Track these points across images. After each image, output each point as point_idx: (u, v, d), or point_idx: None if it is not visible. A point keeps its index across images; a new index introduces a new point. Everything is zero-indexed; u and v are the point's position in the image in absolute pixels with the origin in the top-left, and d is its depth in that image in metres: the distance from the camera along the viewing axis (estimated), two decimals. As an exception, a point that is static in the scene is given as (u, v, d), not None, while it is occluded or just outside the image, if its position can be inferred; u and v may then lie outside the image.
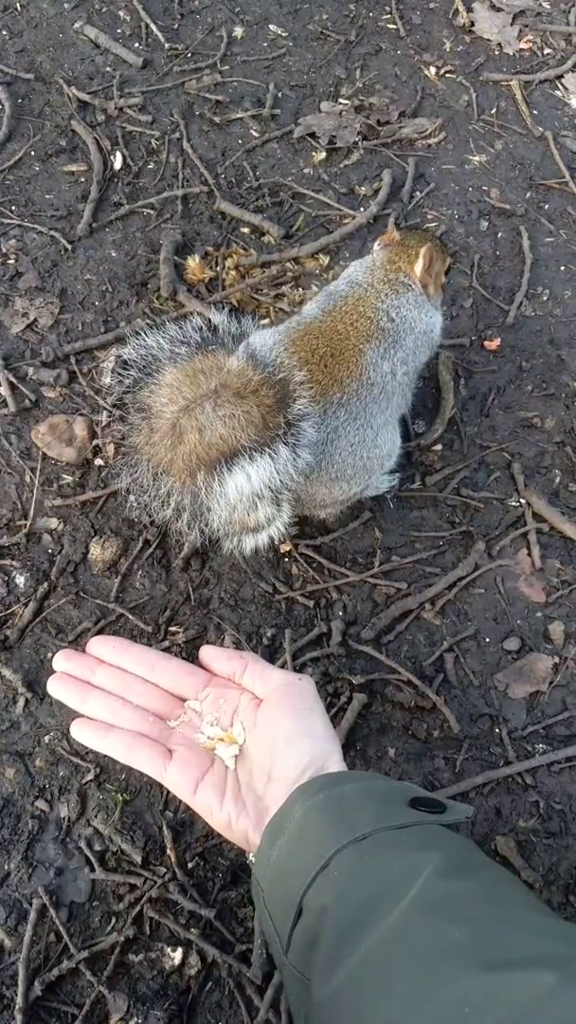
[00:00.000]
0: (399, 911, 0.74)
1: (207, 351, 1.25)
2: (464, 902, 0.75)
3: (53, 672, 1.09)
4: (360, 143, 1.91)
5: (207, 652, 1.13)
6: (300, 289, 1.71)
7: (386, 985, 0.71)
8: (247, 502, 1.22)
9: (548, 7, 2.22)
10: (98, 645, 1.12)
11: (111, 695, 1.07)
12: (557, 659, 1.42)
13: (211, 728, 1.05)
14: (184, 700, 1.09)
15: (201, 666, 1.13)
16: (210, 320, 1.28)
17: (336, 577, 1.44)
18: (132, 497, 1.39)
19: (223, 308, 1.43)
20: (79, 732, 1.05)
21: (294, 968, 0.81)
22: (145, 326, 1.29)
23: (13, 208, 1.73)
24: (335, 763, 0.97)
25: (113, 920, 1.17)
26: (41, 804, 1.23)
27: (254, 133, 1.90)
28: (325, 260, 1.75)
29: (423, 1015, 0.67)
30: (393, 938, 0.73)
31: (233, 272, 1.71)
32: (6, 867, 1.19)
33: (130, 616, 1.37)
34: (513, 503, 1.55)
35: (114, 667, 1.10)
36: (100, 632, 1.35)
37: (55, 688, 1.08)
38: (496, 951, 0.67)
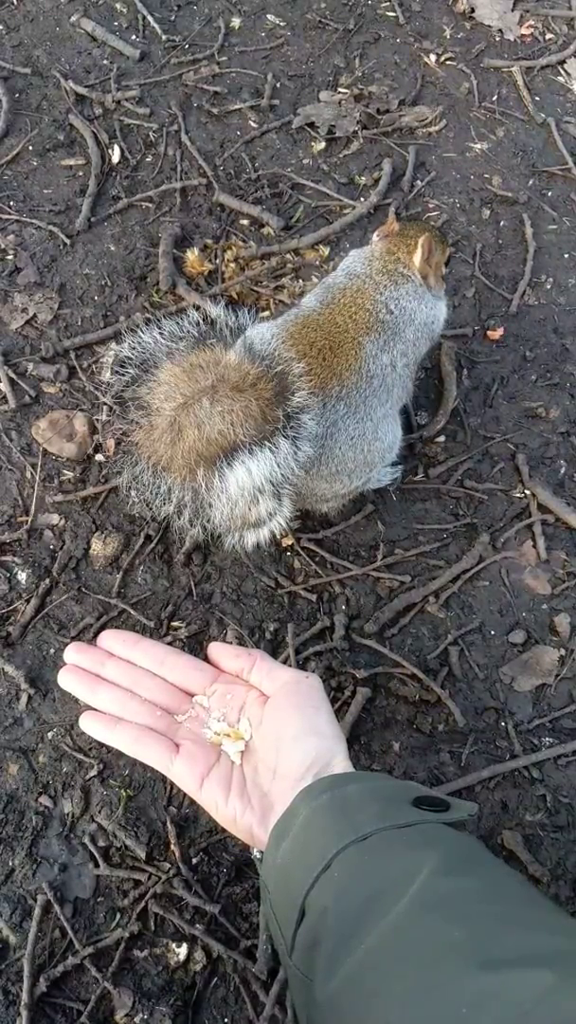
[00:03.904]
0: (398, 910, 0.73)
1: (205, 345, 1.24)
2: (464, 900, 0.74)
3: (57, 667, 1.10)
4: (360, 132, 1.89)
5: (215, 649, 1.13)
6: (300, 281, 1.69)
7: (385, 985, 0.70)
8: (248, 497, 1.21)
9: (550, -9, 2.19)
10: (108, 639, 1.12)
11: (120, 688, 1.08)
12: (563, 651, 1.40)
13: (218, 723, 1.05)
14: (192, 695, 1.10)
15: (209, 662, 1.13)
16: (207, 314, 1.27)
17: (339, 571, 1.43)
18: (133, 494, 1.38)
19: (220, 301, 1.41)
20: (87, 724, 1.05)
21: (297, 970, 0.81)
22: (142, 322, 1.28)
23: (11, 203, 1.72)
24: (340, 761, 0.96)
25: (118, 916, 1.17)
26: (45, 800, 1.23)
27: (252, 124, 1.89)
28: (325, 251, 1.73)
29: (421, 1015, 0.66)
30: (392, 938, 0.72)
31: (232, 264, 1.69)
32: (10, 863, 1.19)
33: (132, 611, 1.36)
34: (517, 494, 1.54)
35: (124, 661, 1.10)
36: (102, 628, 1.34)
37: (65, 680, 1.08)
38: (495, 950, 0.67)
